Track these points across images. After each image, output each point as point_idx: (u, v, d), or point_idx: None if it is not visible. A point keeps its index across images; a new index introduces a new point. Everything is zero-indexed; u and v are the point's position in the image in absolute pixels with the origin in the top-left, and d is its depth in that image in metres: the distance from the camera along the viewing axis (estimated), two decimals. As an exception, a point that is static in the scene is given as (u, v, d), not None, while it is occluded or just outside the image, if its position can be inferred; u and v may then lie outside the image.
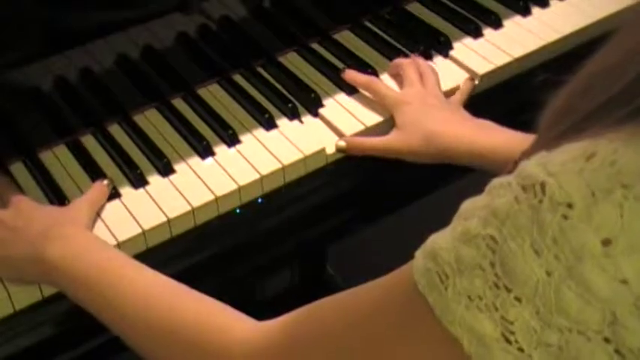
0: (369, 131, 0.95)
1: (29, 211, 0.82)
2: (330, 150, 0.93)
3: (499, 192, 0.48)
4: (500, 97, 1.03)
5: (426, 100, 0.94)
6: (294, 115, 0.97)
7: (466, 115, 0.95)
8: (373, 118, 0.96)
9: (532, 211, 0.46)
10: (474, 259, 0.48)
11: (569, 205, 0.44)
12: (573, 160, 0.45)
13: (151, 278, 0.72)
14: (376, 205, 0.99)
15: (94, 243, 0.78)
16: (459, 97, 0.98)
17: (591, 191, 0.44)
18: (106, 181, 0.87)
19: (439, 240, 0.51)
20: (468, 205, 0.51)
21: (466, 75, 1.02)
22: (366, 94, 0.99)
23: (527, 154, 0.52)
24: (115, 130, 0.96)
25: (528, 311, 0.46)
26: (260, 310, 0.75)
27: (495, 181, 0.50)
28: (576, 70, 0.51)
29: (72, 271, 0.74)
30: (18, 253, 0.78)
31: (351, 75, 1.00)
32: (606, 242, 0.43)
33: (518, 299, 0.46)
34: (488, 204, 0.49)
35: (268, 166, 0.90)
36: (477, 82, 1.01)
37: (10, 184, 0.88)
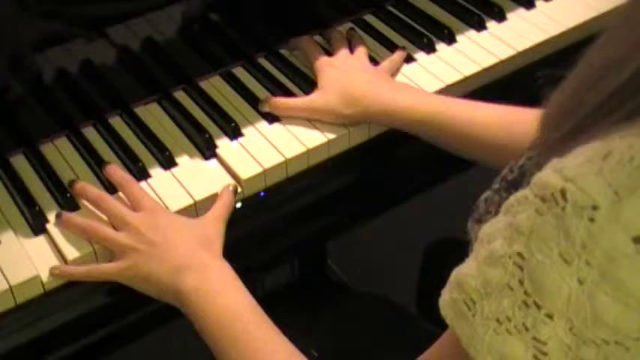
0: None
1: (168, 228, 0.79)
2: (334, 143, 0.92)
3: (517, 209, 0.47)
4: (503, 91, 1.02)
5: (351, 63, 0.97)
6: (296, 108, 0.97)
7: (388, 78, 0.96)
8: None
9: (556, 220, 0.44)
10: (501, 279, 0.47)
11: (594, 208, 0.43)
12: (589, 162, 0.44)
13: (272, 342, 0.71)
14: (378, 199, 0.98)
15: (227, 279, 0.76)
16: (387, 64, 0.99)
17: (614, 190, 0.42)
18: (231, 187, 0.85)
19: (463, 269, 0.50)
20: (487, 229, 0.50)
21: (471, 64, 1.01)
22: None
23: (533, 155, 0.51)
24: (117, 123, 0.96)
25: (561, 327, 0.44)
26: (260, 305, 0.75)
27: (511, 199, 0.48)
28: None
29: (203, 311, 0.73)
30: (154, 272, 0.76)
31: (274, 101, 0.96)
32: (638, 240, 0.42)
33: (549, 316, 0.45)
34: (509, 223, 0.47)
35: (271, 159, 0.90)
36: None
37: (144, 191, 0.85)
